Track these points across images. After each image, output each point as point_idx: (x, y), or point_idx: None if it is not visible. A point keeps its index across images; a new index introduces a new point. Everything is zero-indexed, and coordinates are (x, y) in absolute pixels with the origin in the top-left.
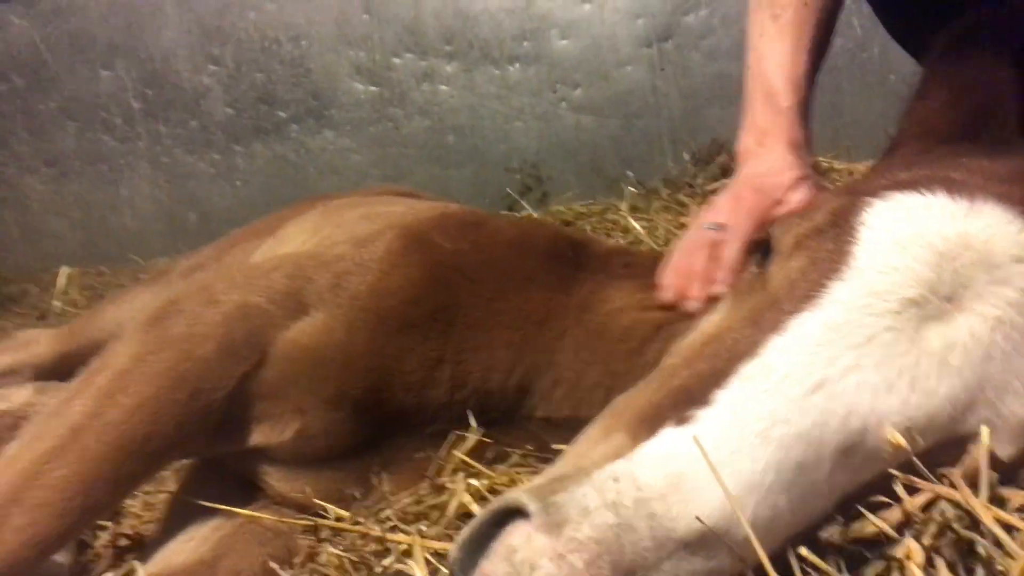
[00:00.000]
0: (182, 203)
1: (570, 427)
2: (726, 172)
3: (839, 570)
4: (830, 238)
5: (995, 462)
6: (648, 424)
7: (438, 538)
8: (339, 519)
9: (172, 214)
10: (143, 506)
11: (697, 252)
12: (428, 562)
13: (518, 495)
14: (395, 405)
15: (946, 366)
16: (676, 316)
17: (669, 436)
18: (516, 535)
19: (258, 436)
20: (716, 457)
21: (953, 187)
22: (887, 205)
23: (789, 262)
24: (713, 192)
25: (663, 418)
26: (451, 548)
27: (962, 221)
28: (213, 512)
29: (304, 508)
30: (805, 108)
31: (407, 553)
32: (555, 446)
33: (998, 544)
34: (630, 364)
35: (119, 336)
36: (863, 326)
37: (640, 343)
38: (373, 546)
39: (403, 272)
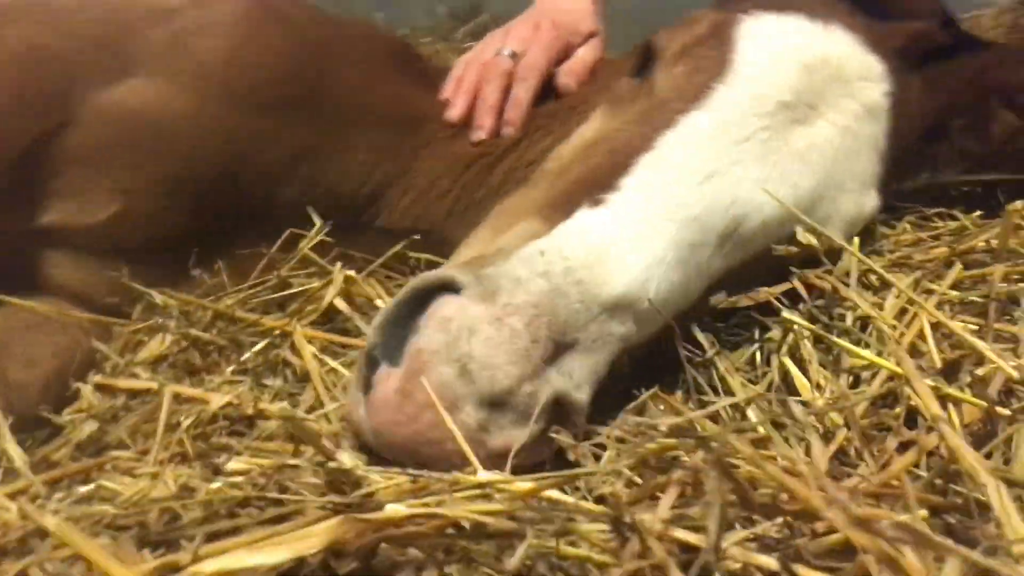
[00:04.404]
0: None
1: (405, 238)
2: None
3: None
4: (712, 47)
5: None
6: (562, 208)
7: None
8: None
9: None
10: None
11: (492, 80)
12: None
13: (444, 271)
14: (242, 197)
15: (807, 164)
16: (522, 141)
17: (586, 215)
18: (447, 307)
19: (57, 213)
20: (629, 234)
21: (813, 12)
22: (760, 22)
23: (675, 68)
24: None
25: (577, 202)
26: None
27: (821, 41)
28: None
29: (86, 301)
30: None
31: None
32: (412, 254)
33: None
34: (479, 182)
35: None
36: (746, 125)
37: (493, 160)
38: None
39: (262, 42)
